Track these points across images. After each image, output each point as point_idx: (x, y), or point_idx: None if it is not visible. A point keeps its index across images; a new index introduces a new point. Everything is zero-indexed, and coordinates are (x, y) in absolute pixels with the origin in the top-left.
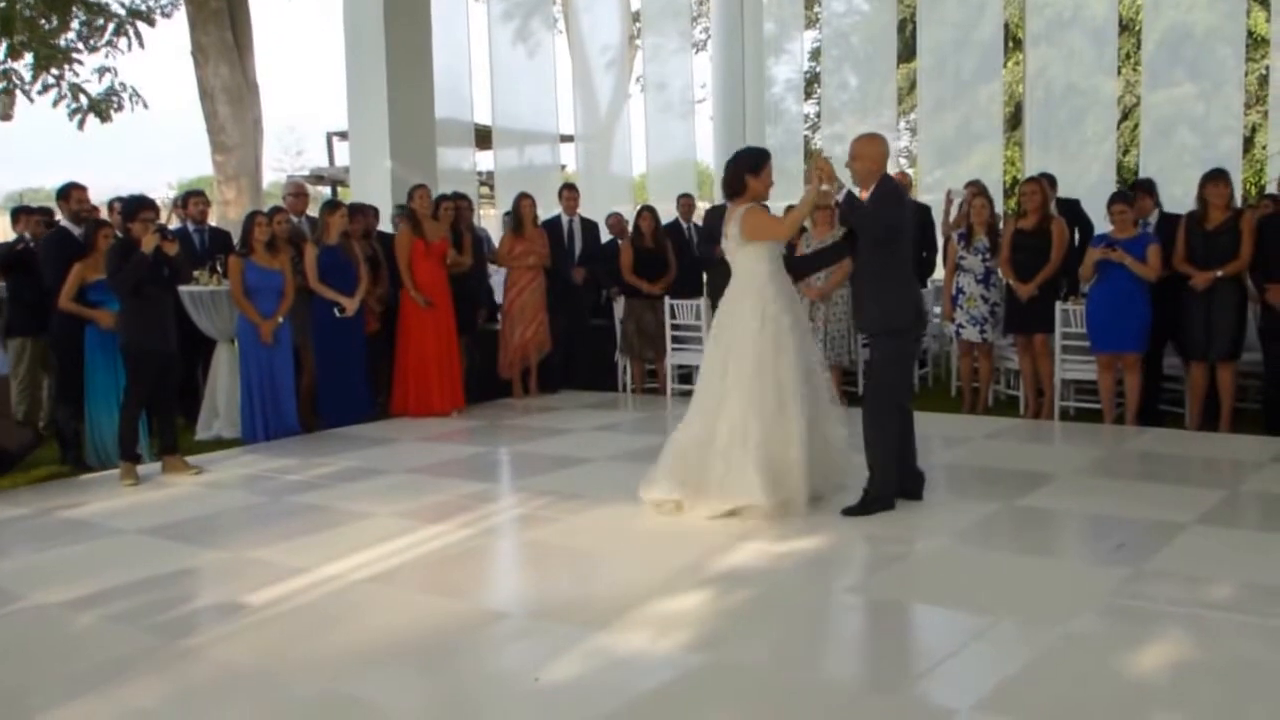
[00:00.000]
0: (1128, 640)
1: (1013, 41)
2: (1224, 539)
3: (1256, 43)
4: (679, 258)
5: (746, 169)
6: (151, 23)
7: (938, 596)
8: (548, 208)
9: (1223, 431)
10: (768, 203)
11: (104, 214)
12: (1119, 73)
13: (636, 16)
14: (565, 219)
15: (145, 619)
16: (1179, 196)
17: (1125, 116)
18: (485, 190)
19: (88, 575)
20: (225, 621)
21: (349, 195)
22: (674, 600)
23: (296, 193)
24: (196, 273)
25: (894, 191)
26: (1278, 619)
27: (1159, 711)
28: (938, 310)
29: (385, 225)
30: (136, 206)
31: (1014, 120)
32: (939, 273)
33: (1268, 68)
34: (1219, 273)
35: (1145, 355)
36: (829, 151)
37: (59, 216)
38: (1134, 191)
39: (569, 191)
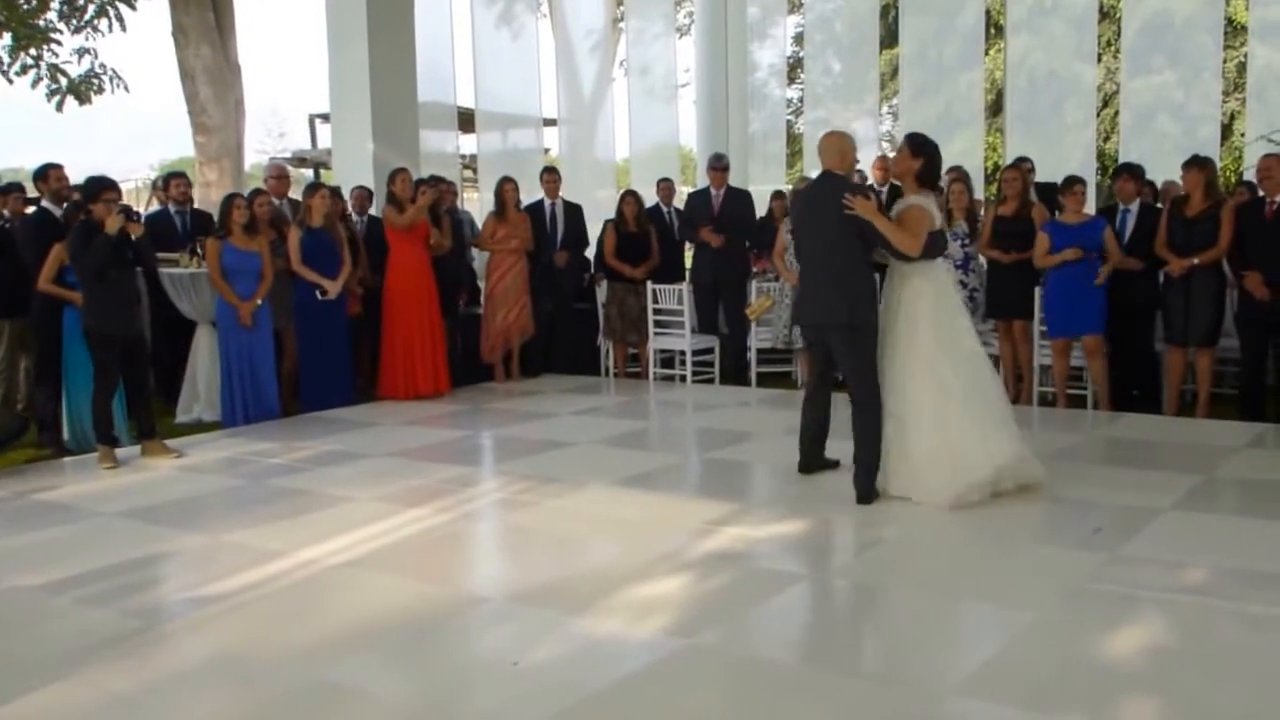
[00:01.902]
0: (1104, 624)
1: (994, 28)
2: (1200, 524)
3: (1235, 30)
4: (660, 242)
5: None
6: (133, 5)
7: (916, 581)
8: (531, 191)
9: (1199, 417)
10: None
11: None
12: (1099, 60)
13: (620, 0)
14: (547, 203)
15: (122, 602)
16: (1159, 183)
17: (1105, 104)
18: (469, 173)
19: (65, 558)
20: (203, 605)
21: (331, 178)
22: (653, 584)
23: (278, 175)
24: (177, 254)
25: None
26: (1253, 604)
27: (1134, 695)
28: None
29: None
30: (98, 187)
31: (995, 107)
32: None
33: (1246, 55)
34: (1195, 260)
35: (1111, 338)
36: (811, 137)
37: (34, 195)
38: (1117, 174)
39: (550, 175)
